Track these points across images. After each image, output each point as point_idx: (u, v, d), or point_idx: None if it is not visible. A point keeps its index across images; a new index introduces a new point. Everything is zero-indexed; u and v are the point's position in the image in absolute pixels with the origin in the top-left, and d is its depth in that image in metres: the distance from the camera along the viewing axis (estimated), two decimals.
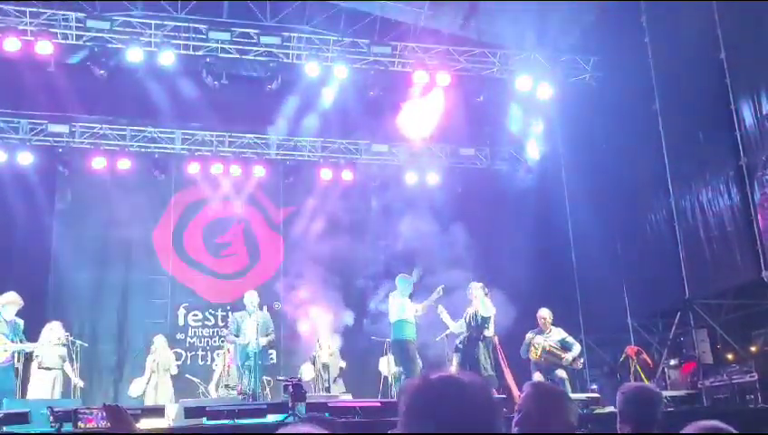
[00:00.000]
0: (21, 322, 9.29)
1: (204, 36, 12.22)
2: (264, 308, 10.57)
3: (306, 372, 11.59)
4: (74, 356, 9.93)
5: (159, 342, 11.83)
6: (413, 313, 9.85)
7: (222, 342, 12.60)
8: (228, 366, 11.30)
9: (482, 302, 9.77)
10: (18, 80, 12.28)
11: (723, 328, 10.30)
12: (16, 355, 9.10)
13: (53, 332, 9.78)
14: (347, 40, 12.83)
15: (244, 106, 13.76)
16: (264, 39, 12.34)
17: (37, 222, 13.37)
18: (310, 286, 13.23)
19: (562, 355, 9.77)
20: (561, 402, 2.86)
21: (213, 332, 14.03)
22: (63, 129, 13.24)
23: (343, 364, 11.96)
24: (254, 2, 13.05)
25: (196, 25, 12.29)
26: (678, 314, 10.78)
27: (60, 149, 13.53)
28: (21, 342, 9.16)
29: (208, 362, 13.48)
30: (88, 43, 11.91)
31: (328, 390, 11.26)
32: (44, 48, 11.53)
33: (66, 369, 10.03)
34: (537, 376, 9.64)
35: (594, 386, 12.42)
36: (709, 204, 10.36)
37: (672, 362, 10.74)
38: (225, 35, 12.18)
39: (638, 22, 11.68)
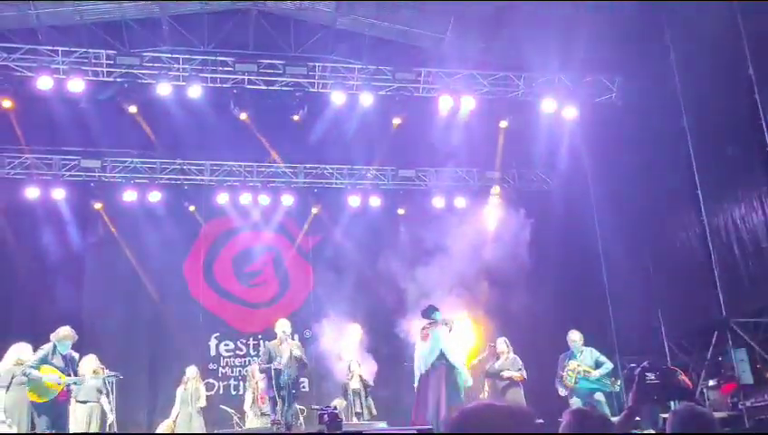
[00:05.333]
0: (76, 355, 9.00)
1: (231, 69, 12.42)
2: (296, 337, 10.56)
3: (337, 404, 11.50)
4: (110, 389, 9.97)
5: (191, 373, 11.85)
6: None
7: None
8: (262, 398, 11.26)
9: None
10: (51, 117, 12.57)
11: (762, 347, 10.05)
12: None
13: (90, 364, 9.84)
14: (371, 67, 12.94)
15: (271, 136, 13.92)
16: (289, 69, 12.50)
17: (70, 256, 13.65)
18: (340, 313, 13.19)
19: (595, 374, 9.66)
20: (603, 428, 2.79)
21: (245, 361, 14.05)
22: (95, 163, 13.53)
23: (371, 383, 11.80)
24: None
25: (224, 58, 12.52)
26: (715, 333, 10.57)
27: (92, 184, 13.78)
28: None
29: (240, 392, 13.47)
30: (118, 80, 12.17)
31: (358, 416, 11.17)
32: (76, 85, 11.80)
33: (102, 402, 10.07)
34: (575, 401, 9.48)
35: None
36: (743, 220, 10.19)
37: (711, 383, 10.50)
38: (252, 67, 12.38)
39: (662, 40, 11.62)
